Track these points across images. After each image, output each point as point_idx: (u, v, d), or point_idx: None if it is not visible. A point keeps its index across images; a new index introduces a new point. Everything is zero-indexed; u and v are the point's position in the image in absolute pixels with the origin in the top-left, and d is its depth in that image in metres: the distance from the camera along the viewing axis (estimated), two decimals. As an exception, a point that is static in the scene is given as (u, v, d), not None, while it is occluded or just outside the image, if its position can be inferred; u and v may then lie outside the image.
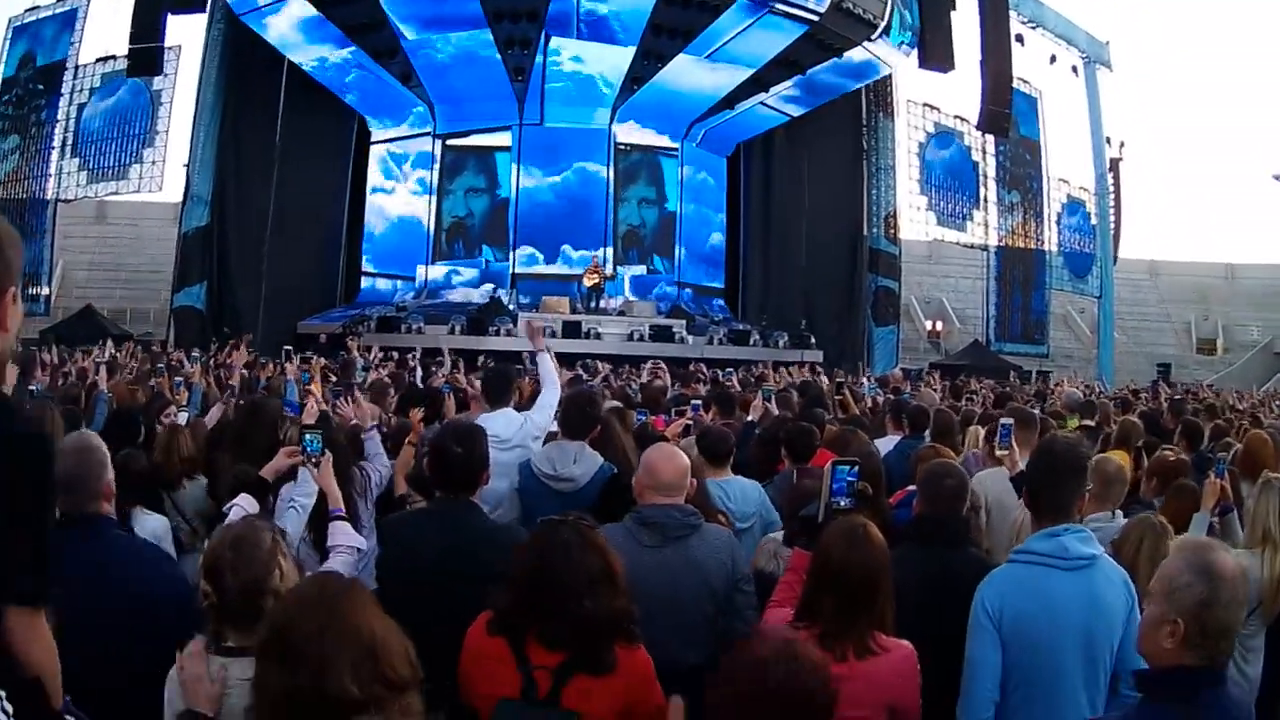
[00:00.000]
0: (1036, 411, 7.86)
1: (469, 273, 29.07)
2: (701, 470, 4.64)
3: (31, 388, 8.17)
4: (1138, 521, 3.99)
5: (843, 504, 3.45)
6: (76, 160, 29.55)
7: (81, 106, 29.74)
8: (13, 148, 30.17)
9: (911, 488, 4.90)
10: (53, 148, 29.72)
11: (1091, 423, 8.66)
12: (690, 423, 6.90)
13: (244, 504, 3.61)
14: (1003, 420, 5.09)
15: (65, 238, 30.48)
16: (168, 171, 28.65)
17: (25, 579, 2.16)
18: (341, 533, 3.78)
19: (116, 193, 30.21)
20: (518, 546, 2.90)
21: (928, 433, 6.73)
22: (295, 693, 2.01)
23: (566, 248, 28.41)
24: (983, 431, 6.65)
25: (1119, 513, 4.36)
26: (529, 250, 28.55)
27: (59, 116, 29.56)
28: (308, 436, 3.81)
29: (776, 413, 7.59)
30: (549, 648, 2.66)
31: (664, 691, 2.70)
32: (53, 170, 29.67)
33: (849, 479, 3.50)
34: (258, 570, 2.54)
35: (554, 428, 5.34)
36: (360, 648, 2.03)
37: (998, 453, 4.98)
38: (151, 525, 4.10)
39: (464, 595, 3.07)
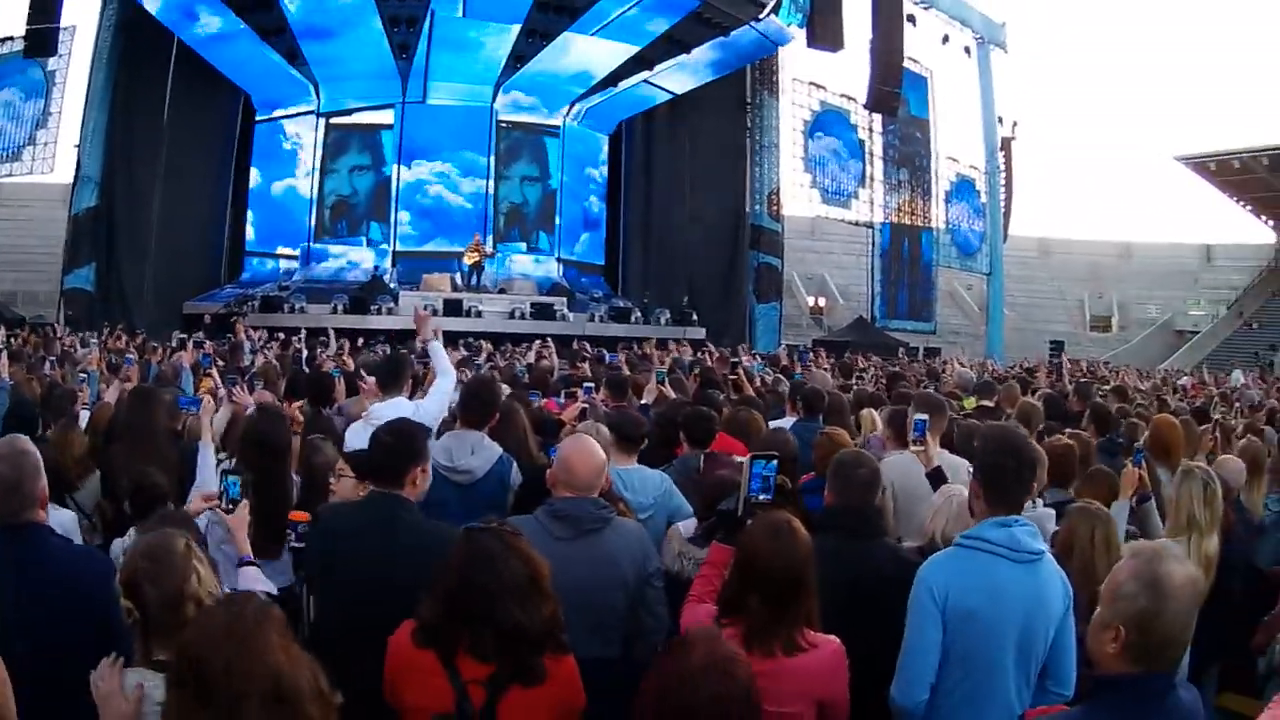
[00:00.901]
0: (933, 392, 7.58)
1: (354, 251, 29.10)
2: (608, 456, 4.54)
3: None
4: (1080, 512, 3.97)
5: (761, 498, 3.38)
6: (-30, 143, 29.33)
7: (-25, 89, 29.47)
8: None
9: (811, 475, 4.93)
10: (-54, 131, 29.46)
11: (990, 403, 8.37)
12: (585, 406, 6.86)
13: (252, 577, 3.48)
14: (917, 415, 4.87)
15: (-43, 221, 30.28)
16: (60, 152, 28.39)
17: None
18: (251, 579, 3.61)
19: (10, 175, 29.97)
20: (442, 560, 2.78)
21: (821, 415, 6.61)
22: None
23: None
24: (879, 415, 6.57)
25: (1039, 501, 4.34)
26: (408, 230, 28.62)
27: (-48, 101, 29.29)
28: (229, 479, 3.62)
29: (672, 395, 7.52)
30: (479, 659, 2.61)
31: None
32: (-55, 153, 29.44)
33: (767, 473, 3.42)
34: (175, 579, 2.49)
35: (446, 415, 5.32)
36: (268, 689, 2.01)
37: (912, 448, 4.80)
38: (59, 519, 3.84)
39: (392, 599, 2.99)
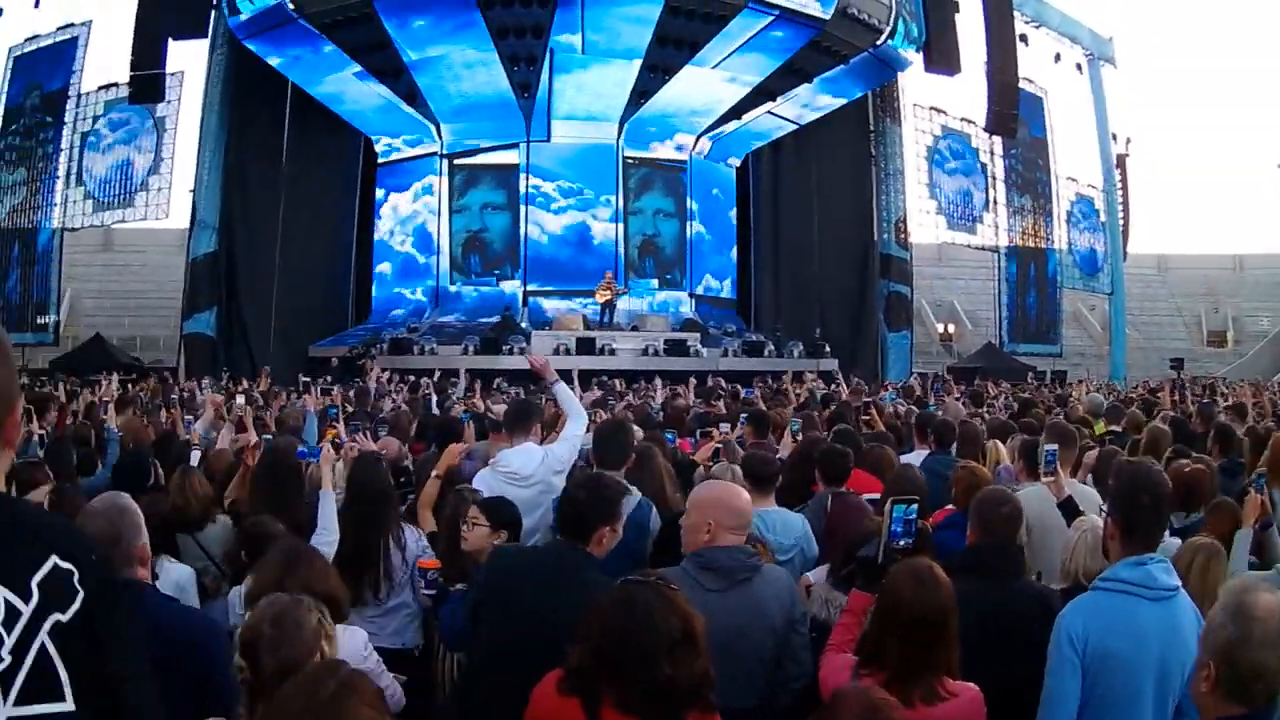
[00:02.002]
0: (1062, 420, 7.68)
1: (486, 290, 28.95)
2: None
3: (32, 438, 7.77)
4: (1190, 545, 3.93)
5: (902, 544, 3.34)
6: (82, 189, 29.51)
7: (85, 135, 29.68)
8: (19, 180, 30.13)
9: (950, 508, 4.95)
10: (57, 177, 29.69)
11: (1119, 428, 8.50)
12: (720, 445, 6.72)
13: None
14: (1047, 446, 4.89)
15: (72, 266, 30.45)
16: (174, 198, 28.59)
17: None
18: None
19: (123, 220, 30.19)
20: (593, 605, 2.73)
21: (954, 446, 6.63)
22: None
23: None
24: (1004, 446, 6.56)
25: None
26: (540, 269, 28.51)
27: (63, 145, 29.51)
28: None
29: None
30: (622, 712, 2.52)
31: None
32: (58, 200, 29.65)
33: (908, 518, 3.38)
34: (299, 651, 2.41)
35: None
36: None
37: (1043, 479, 4.82)
38: (176, 576, 3.99)
39: (557, 657, 2.93)
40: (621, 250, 28.50)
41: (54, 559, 1.67)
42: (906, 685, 2.78)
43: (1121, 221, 32.97)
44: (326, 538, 4.29)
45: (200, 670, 2.80)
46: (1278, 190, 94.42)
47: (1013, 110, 29.83)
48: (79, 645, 1.66)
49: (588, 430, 5.57)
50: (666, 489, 5.14)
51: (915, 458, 6.43)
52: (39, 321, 29.71)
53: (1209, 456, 6.41)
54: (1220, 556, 3.88)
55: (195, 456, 5.82)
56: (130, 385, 17.00)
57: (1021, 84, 30.39)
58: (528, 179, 28.04)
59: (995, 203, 31.47)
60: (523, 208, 28.01)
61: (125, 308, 31.23)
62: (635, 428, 6.47)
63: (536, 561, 3.52)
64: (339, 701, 1.85)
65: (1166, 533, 4.06)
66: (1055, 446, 4.84)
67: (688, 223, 29.82)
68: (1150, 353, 33.07)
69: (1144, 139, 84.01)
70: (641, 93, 27.11)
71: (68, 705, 1.63)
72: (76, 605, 1.67)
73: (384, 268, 29.63)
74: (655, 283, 29.49)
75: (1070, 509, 4.49)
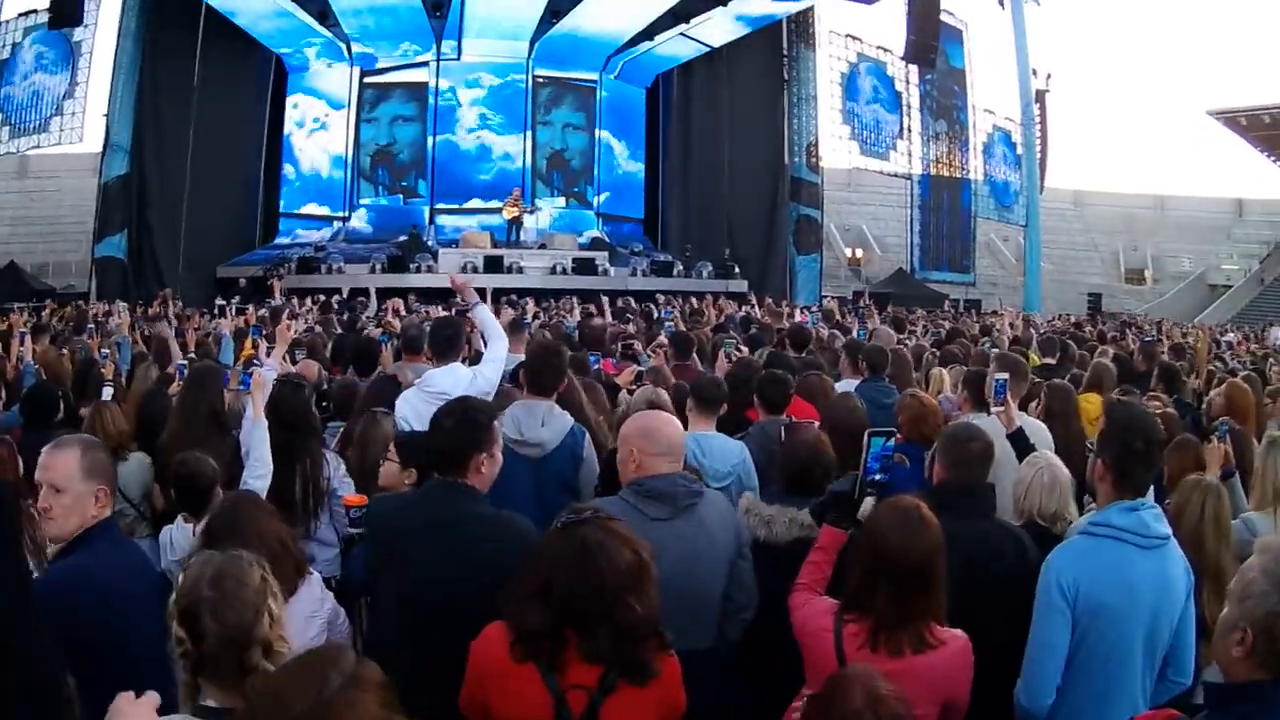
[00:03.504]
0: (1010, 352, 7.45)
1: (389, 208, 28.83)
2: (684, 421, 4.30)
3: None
4: (1194, 485, 3.75)
5: (878, 478, 3.21)
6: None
7: (3, 64, 29.25)
8: (-69, 110, 29.61)
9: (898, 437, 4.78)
10: (-30, 105, 29.22)
11: (1053, 361, 8.29)
12: (640, 369, 6.61)
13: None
14: (997, 375, 4.73)
15: (-12, 195, 30.05)
16: (88, 122, 28.20)
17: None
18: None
19: (38, 146, 29.72)
20: (534, 555, 2.55)
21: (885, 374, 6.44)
22: None
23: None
24: (945, 375, 6.49)
25: None
26: (446, 186, 28.41)
27: (-23, 74, 29.06)
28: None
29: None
30: (589, 661, 2.39)
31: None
32: (-29, 128, 29.21)
33: (886, 452, 3.24)
34: (244, 615, 2.14)
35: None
36: None
37: (993, 409, 4.63)
38: None
39: (464, 603, 2.78)
40: (529, 164, 28.42)
41: None
42: (895, 632, 2.68)
43: (1039, 156, 33.21)
44: (259, 471, 4.07)
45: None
46: (1202, 134, 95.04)
47: (933, 41, 29.89)
48: None
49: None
50: (591, 413, 4.95)
51: (847, 385, 6.18)
52: (-49, 250, 29.32)
53: (1164, 397, 6.34)
54: (1224, 497, 3.76)
55: (107, 391, 5.62)
56: (44, 314, 16.79)
57: (942, 15, 30.44)
58: (438, 96, 27.95)
59: (909, 130, 31.57)
60: (431, 124, 27.86)
61: (38, 234, 30.83)
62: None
63: (416, 507, 3.25)
64: (347, 699, 1.60)
65: None
66: (1006, 376, 4.69)
67: (595, 138, 29.75)
68: (1065, 285, 33.40)
69: (1066, 76, 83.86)
70: (554, 12, 26.99)
71: None
72: None
73: (291, 187, 29.44)
74: (563, 199, 29.45)
75: (1019, 441, 4.38)
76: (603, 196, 29.99)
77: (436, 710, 1.85)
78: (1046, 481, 3.70)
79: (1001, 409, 4.58)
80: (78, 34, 28.13)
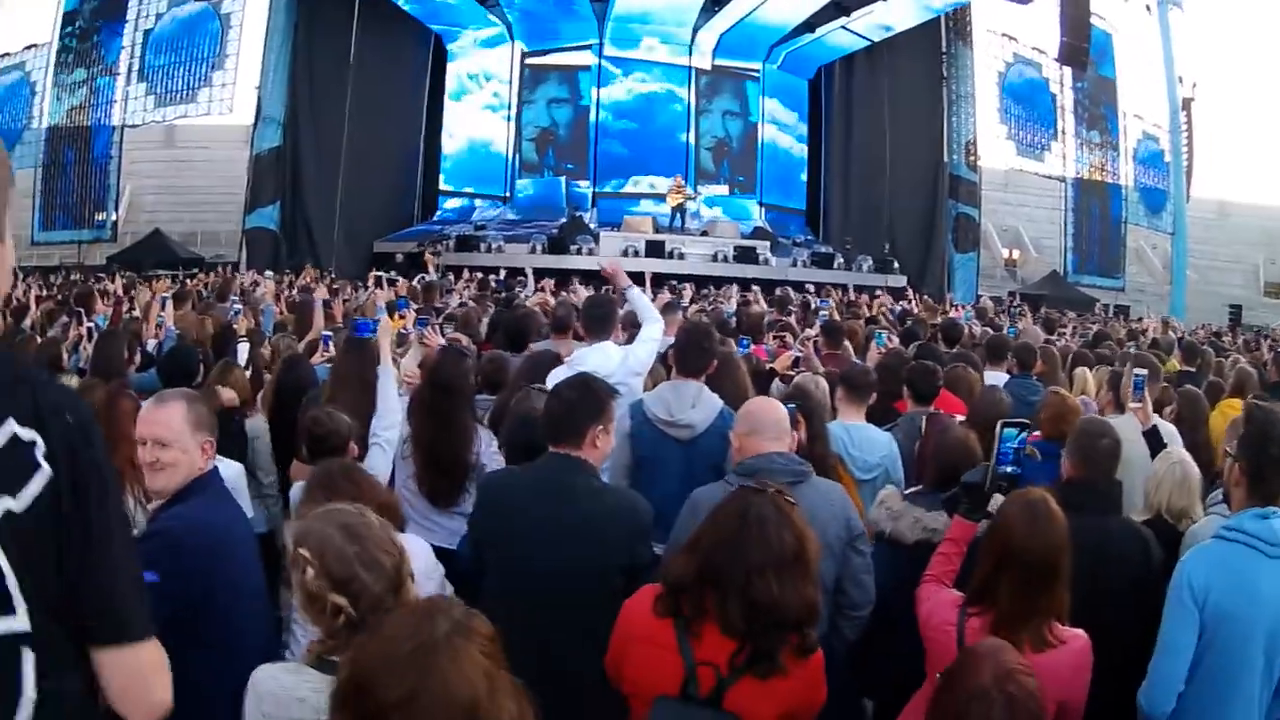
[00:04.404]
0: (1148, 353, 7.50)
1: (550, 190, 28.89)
2: (830, 410, 4.38)
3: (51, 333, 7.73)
4: None
5: (1009, 470, 3.20)
6: (143, 85, 29.37)
7: (148, 33, 29.57)
8: (79, 80, 30.00)
9: (1036, 435, 4.76)
10: (118, 74, 29.57)
11: (1193, 368, 8.30)
12: (799, 354, 6.59)
13: None
14: (1136, 371, 4.80)
15: (132, 163, 30.27)
16: (238, 94, 28.43)
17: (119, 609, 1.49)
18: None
19: (185, 116, 30.01)
20: (709, 515, 2.58)
21: (1034, 372, 6.55)
22: None
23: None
24: (1090, 375, 6.48)
25: None
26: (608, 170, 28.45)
27: (124, 44, 29.40)
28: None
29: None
30: (725, 634, 2.39)
31: None
32: (118, 97, 29.55)
33: (1016, 444, 3.23)
34: (392, 555, 2.14)
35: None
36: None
37: (1130, 405, 4.68)
38: (226, 473, 3.63)
39: (570, 575, 2.87)
40: (694, 154, 28.39)
41: (11, 424, 1.29)
42: (1016, 628, 2.64)
43: (1186, 165, 32.71)
44: (387, 421, 4.07)
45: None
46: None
47: (1084, 44, 29.49)
48: (36, 544, 1.29)
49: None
50: (749, 396, 4.85)
51: (996, 379, 6.28)
52: (97, 218, 29.70)
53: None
54: None
55: (243, 353, 5.66)
56: (189, 280, 16.96)
57: (1092, 20, 30.06)
58: (600, 79, 28.08)
59: (1063, 133, 31.24)
60: (593, 109, 27.90)
61: (185, 203, 31.03)
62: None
63: (531, 478, 3.27)
64: (452, 644, 1.65)
65: None
66: (1145, 373, 4.80)
67: (757, 128, 29.74)
68: (1208, 296, 32.76)
69: (1214, 86, 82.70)
70: (715, 1, 26.97)
71: (19, 622, 1.27)
72: (36, 488, 1.30)
73: (450, 165, 29.56)
74: (726, 187, 29.42)
75: (1154, 438, 4.41)
76: (763, 186, 29.96)
77: (534, 680, 1.80)
78: (1179, 477, 3.75)
79: (1139, 405, 4.67)
80: (225, 5, 28.44)
